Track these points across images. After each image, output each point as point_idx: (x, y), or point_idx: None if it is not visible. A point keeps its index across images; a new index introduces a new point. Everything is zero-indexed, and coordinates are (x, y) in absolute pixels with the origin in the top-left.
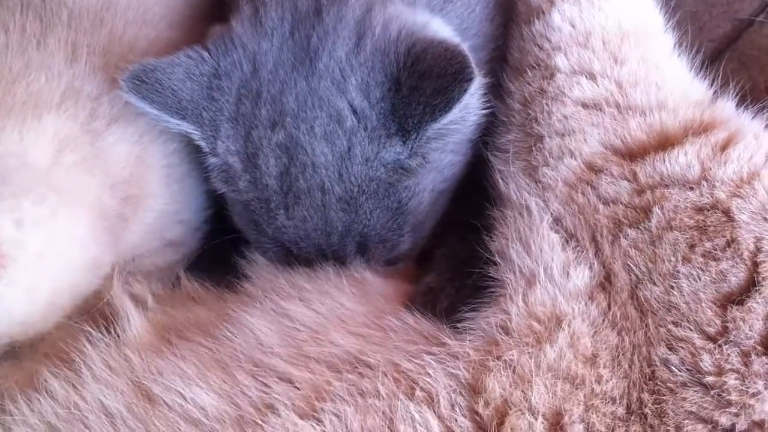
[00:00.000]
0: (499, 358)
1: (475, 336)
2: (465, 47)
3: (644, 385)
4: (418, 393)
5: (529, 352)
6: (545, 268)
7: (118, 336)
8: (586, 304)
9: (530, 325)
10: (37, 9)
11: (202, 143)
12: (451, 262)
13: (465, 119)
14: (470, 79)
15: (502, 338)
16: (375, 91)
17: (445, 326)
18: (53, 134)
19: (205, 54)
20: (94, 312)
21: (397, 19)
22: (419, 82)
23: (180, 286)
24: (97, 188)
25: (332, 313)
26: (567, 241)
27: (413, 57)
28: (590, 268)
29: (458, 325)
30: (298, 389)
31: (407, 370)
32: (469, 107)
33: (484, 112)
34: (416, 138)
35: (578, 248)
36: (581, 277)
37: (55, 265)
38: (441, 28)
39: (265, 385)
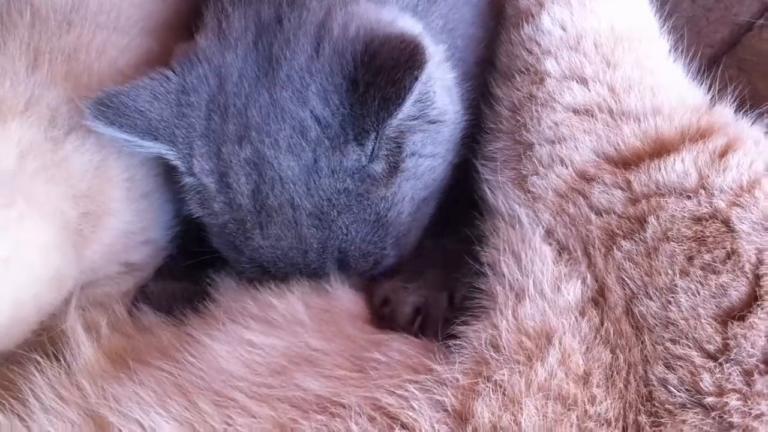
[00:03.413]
0: (489, 378)
1: (464, 355)
2: (426, 38)
3: (641, 407)
4: (398, 431)
5: (519, 371)
6: (535, 281)
7: (69, 365)
8: (576, 319)
9: (520, 341)
10: None
11: (178, 163)
12: (420, 265)
13: (426, 113)
14: (421, 66)
15: (491, 356)
16: (334, 97)
17: (434, 347)
18: (17, 140)
19: (170, 73)
20: (44, 340)
21: (357, 17)
22: (374, 77)
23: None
24: (59, 198)
25: (299, 353)
26: (559, 254)
27: (370, 53)
28: (583, 282)
29: (444, 340)
30: (262, 424)
31: (387, 405)
32: (428, 99)
33: (457, 108)
34: (376, 138)
35: (571, 261)
36: (573, 291)
37: (19, 273)
38: (409, 25)
39: (228, 416)
